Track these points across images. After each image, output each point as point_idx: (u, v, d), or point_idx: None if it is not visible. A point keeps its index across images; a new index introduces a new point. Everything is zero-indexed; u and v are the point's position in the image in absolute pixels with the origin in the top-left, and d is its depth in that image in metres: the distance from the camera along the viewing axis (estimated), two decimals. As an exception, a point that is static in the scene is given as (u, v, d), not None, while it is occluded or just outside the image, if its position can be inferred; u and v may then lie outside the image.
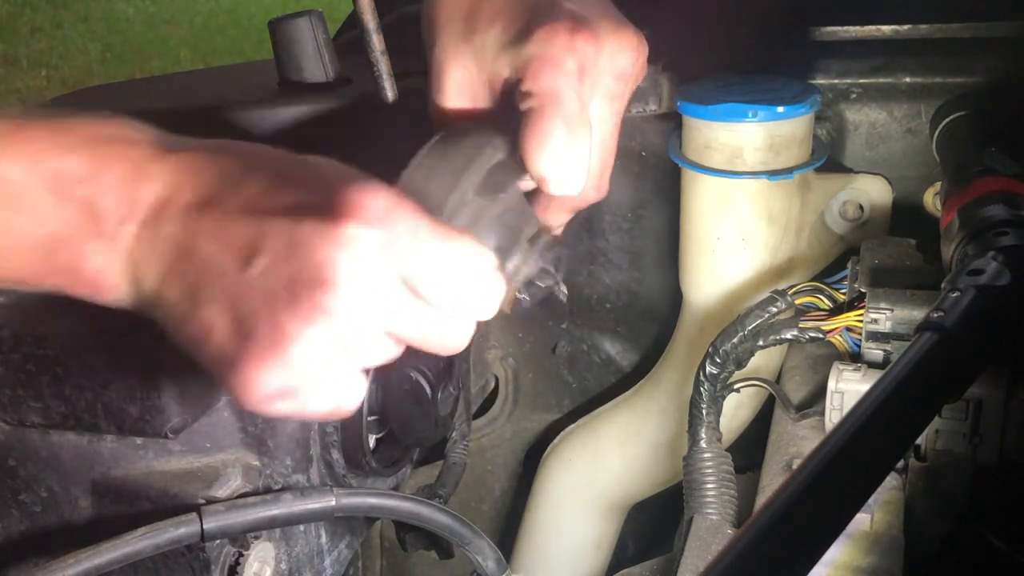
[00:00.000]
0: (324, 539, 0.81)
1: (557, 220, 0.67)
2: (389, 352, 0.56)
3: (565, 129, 0.59)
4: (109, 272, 0.56)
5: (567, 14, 0.61)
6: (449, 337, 0.57)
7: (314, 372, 0.53)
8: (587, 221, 1.15)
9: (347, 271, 0.51)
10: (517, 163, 0.61)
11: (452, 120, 0.66)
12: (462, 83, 0.65)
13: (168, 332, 0.56)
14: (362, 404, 0.80)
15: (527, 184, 0.62)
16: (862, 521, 0.73)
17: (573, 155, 0.60)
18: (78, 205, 0.55)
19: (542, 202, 0.64)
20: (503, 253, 0.60)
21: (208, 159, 0.56)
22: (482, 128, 0.62)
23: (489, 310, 0.56)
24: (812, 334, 0.86)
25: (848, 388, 0.78)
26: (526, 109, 0.60)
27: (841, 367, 0.80)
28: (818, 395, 0.88)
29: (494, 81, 0.64)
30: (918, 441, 0.75)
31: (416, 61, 0.85)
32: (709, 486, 0.85)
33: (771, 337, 0.87)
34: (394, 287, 0.53)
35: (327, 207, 0.51)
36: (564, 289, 0.65)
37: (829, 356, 0.88)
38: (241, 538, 0.70)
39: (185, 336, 0.55)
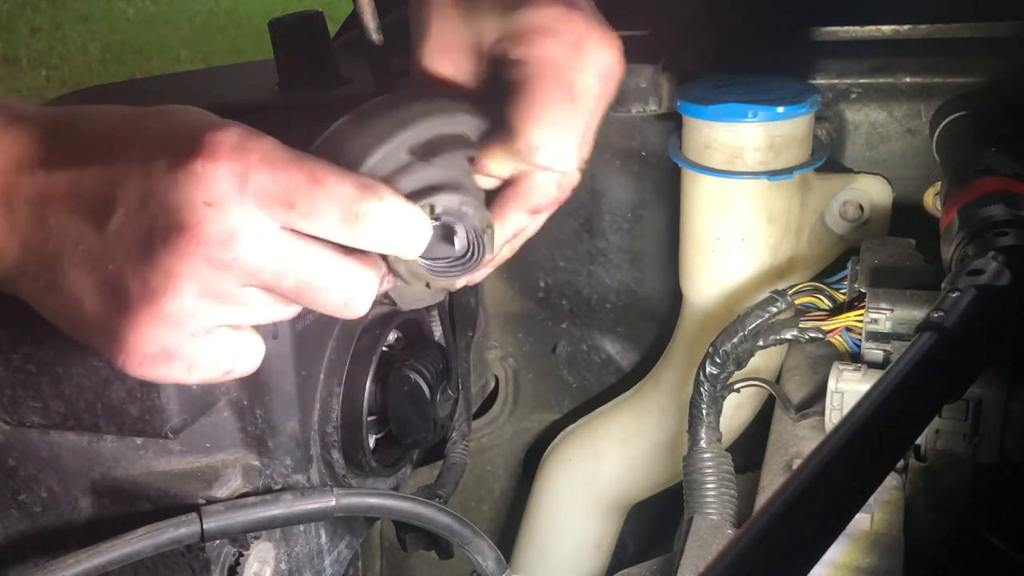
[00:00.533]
0: (324, 539, 0.81)
1: (513, 222, 0.63)
2: (278, 308, 0.53)
3: (563, 98, 0.57)
4: None
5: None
6: (343, 291, 0.52)
7: (194, 331, 0.51)
8: (587, 221, 1.15)
9: (203, 212, 0.48)
10: (475, 136, 0.59)
11: (425, 81, 0.63)
12: (445, 44, 0.63)
13: (37, 308, 0.54)
14: (362, 404, 0.80)
15: (482, 167, 0.59)
16: (862, 521, 0.73)
17: (569, 126, 0.57)
18: None
19: (507, 197, 0.62)
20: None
21: (54, 123, 0.54)
22: (447, 93, 0.60)
23: (395, 243, 0.51)
24: (812, 334, 0.86)
25: (848, 388, 0.78)
26: (519, 77, 0.58)
27: (841, 367, 0.80)
28: (818, 395, 0.88)
29: (479, 46, 0.62)
30: (918, 441, 0.75)
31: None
32: (709, 486, 0.85)
33: (771, 337, 0.87)
34: (260, 228, 0.49)
35: (180, 147, 0.49)
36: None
37: (829, 356, 0.88)
38: (241, 538, 0.70)
39: (54, 310, 0.53)
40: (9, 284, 0.54)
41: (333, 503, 0.72)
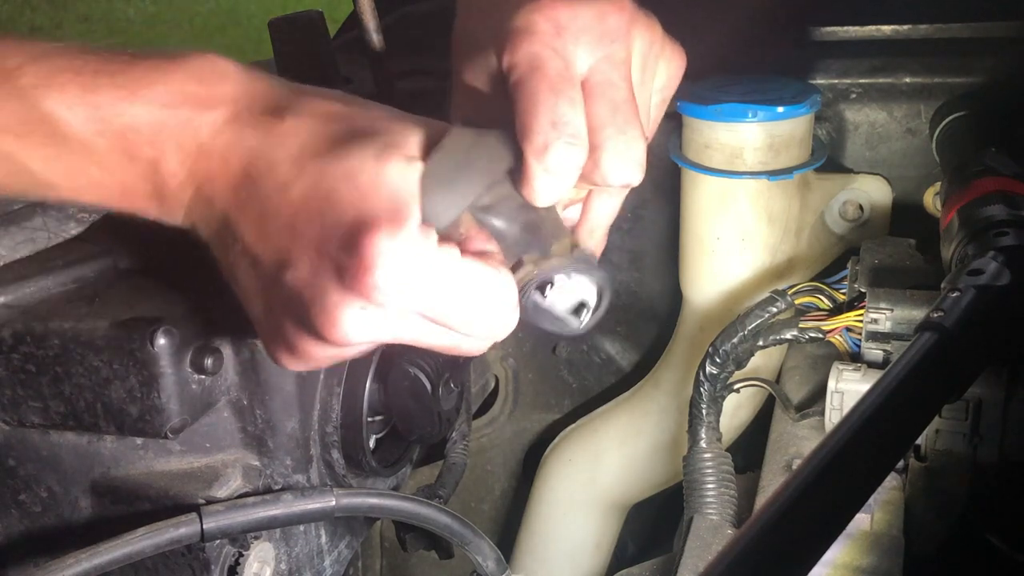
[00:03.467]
0: (324, 539, 0.81)
1: (592, 225, 0.65)
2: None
3: (550, 94, 0.55)
4: (170, 220, 0.60)
5: None
6: (463, 350, 0.57)
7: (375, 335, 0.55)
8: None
9: (355, 318, 0.52)
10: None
11: (465, 116, 0.62)
12: (473, 77, 0.63)
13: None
14: (362, 404, 0.80)
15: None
16: (862, 521, 0.73)
17: (567, 119, 0.55)
18: (145, 164, 0.57)
19: (585, 210, 0.63)
20: (524, 252, 0.58)
21: (265, 142, 0.56)
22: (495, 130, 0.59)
23: (502, 332, 0.56)
24: (812, 334, 0.86)
25: (848, 388, 0.78)
26: (510, 86, 0.57)
27: (841, 367, 0.80)
28: (818, 395, 0.88)
29: (491, 73, 0.61)
30: (918, 441, 0.75)
31: (416, 61, 0.85)
32: (709, 486, 0.85)
33: (771, 337, 0.87)
34: (410, 321, 0.54)
35: (347, 258, 0.51)
36: (595, 300, 0.63)
37: (829, 356, 0.88)
38: (241, 538, 0.70)
39: (230, 279, 0.59)
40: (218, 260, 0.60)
41: (333, 503, 0.72)
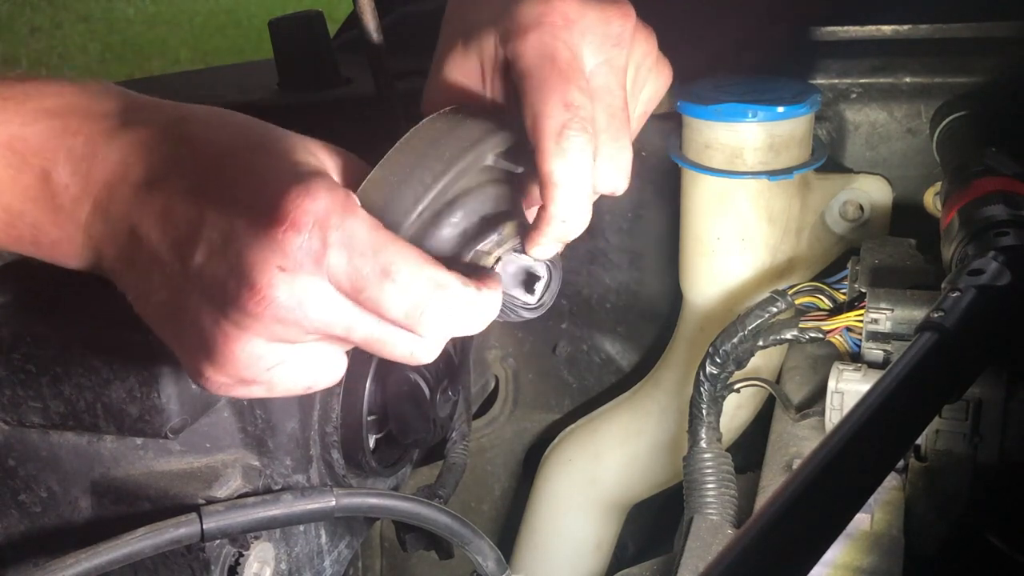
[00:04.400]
0: (324, 539, 0.81)
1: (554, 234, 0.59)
2: (342, 351, 0.55)
3: (561, 80, 0.55)
4: (68, 245, 0.56)
5: None
6: (409, 349, 0.54)
7: (268, 366, 0.53)
8: (587, 221, 1.15)
9: (276, 276, 0.49)
10: (506, 151, 0.58)
11: (441, 100, 0.62)
12: (452, 69, 0.63)
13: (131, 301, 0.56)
14: (362, 404, 0.80)
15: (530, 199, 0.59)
16: (862, 521, 0.73)
17: (580, 103, 0.55)
18: (34, 177, 0.54)
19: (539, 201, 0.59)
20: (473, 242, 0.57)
21: (162, 136, 0.54)
22: (476, 116, 0.58)
23: (457, 329, 0.53)
24: (812, 334, 0.86)
25: (848, 388, 0.78)
26: (517, 72, 0.57)
27: (841, 367, 0.80)
28: (818, 395, 0.88)
29: (481, 60, 0.61)
30: (918, 441, 0.75)
31: (416, 61, 0.85)
32: (709, 486, 0.85)
33: (771, 337, 0.87)
34: (328, 297, 0.51)
35: (266, 205, 0.49)
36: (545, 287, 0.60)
37: (829, 356, 0.88)
38: (241, 538, 0.70)
39: (145, 315, 0.55)
40: (106, 276, 0.57)
41: (333, 503, 0.72)
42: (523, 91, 0.57)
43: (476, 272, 0.55)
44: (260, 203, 0.50)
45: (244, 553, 0.70)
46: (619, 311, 1.20)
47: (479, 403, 1.23)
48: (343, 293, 0.51)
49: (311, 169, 0.52)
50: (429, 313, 0.51)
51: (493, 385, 1.26)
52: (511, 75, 0.59)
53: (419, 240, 0.55)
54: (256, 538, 0.71)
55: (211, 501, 0.69)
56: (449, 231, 0.57)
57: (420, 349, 0.54)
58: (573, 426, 1.20)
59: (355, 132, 0.81)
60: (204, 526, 0.66)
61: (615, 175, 0.59)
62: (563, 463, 1.18)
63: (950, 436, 0.73)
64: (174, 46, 5.95)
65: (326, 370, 0.55)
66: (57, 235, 0.56)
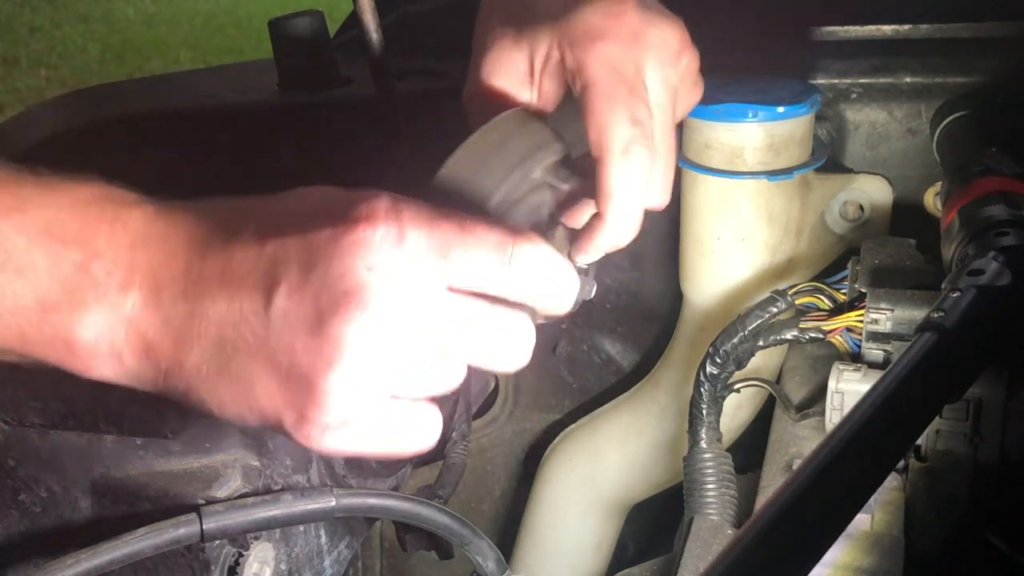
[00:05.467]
0: (324, 539, 0.81)
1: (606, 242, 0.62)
2: (453, 375, 0.53)
3: (629, 96, 0.57)
4: (107, 342, 0.52)
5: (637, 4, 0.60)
6: (513, 347, 0.54)
7: (371, 400, 0.50)
8: (587, 221, 1.15)
9: (366, 276, 0.48)
10: (559, 157, 0.59)
11: (487, 96, 0.63)
12: (500, 62, 0.63)
13: (198, 405, 0.53)
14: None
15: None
16: (862, 521, 0.73)
17: (644, 120, 0.57)
18: (73, 266, 0.51)
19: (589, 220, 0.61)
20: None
21: (199, 214, 0.53)
22: (523, 116, 0.59)
23: (564, 304, 0.53)
24: (812, 334, 0.86)
25: (848, 388, 0.78)
26: (580, 85, 0.58)
27: (841, 367, 0.80)
28: (818, 395, 0.88)
29: (532, 58, 0.62)
30: (918, 441, 0.75)
31: (416, 61, 0.85)
32: (709, 486, 0.85)
33: (771, 337, 0.87)
34: (422, 286, 0.49)
35: (336, 219, 0.49)
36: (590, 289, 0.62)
37: (829, 356, 0.88)
38: (241, 538, 0.70)
39: (222, 400, 0.52)
40: (152, 379, 0.54)
41: (333, 503, 0.72)
42: (588, 102, 0.58)
43: None
44: (331, 219, 0.49)
45: (244, 553, 0.70)
46: (619, 311, 1.20)
47: (479, 403, 1.23)
48: (431, 270, 0.49)
49: (354, 191, 0.52)
50: (519, 259, 0.51)
51: (493, 385, 1.26)
52: (569, 80, 0.60)
53: None
54: (256, 538, 0.71)
55: (211, 501, 0.68)
56: None
57: (518, 346, 0.54)
58: (573, 426, 1.20)
59: (355, 132, 0.81)
60: (204, 526, 0.66)
61: (663, 191, 0.64)
62: (563, 463, 1.18)
63: (950, 436, 0.73)
64: (174, 46, 5.95)
65: (425, 424, 0.53)
66: (95, 332, 0.52)
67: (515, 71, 0.63)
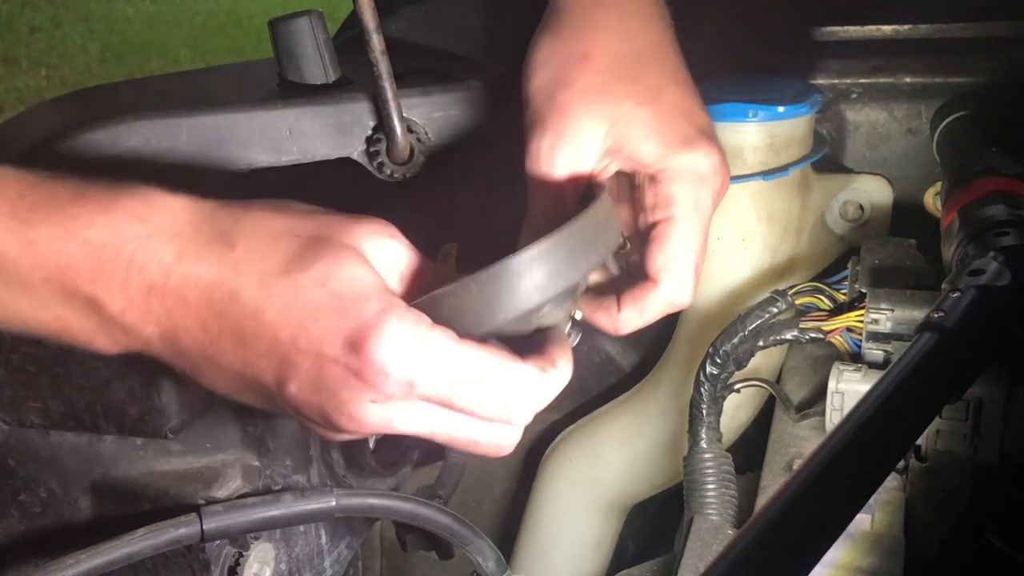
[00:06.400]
0: (324, 539, 0.81)
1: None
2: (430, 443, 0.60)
3: (696, 248, 0.66)
4: (116, 349, 0.59)
5: (711, 136, 0.67)
6: (490, 442, 0.59)
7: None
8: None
9: (368, 408, 0.55)
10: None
11: (553, 170, 0.67)
12: (590, 134, 0.66)
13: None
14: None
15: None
16: (862, 521, 0.73)
17: (694, 271, 0.67)
18: (83, 303, 0.56)
19: (650, 302, 0.68)
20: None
21: (223, 268, 0.55)
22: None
23: (517, 416, 0.57)
24: (812, 334, 0.86)
25: (848, 388, 0.78)
26: (664, 217, 0.65)
27: (841, 367, 0.80)
28: (818, 395, 0.88)
29: (621, 153, 0.66)
30: (918, 441, 0.74)
31: (416, 61, 0.85)
32: (709, 486, 0.85)
33: (771, 337, 0.87)
34: (418, 412, 0.56)
35: (347, 348, 0.53)
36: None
37: (829, 356, 0.88)
38: (241, 538, 0.70)
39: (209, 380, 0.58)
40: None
41: (333, 503, 0.72)
42: (670, 225, 0.66)
43: (547, 341, 0.59)
44: (342, 345, 0.53)
45: (244, 553, 0.70)
46: (619, 311, 1.19)
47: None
48: (435, 405, 0.56)
49: (378, 295, 0.55)
50: (515, 409, 0.57)
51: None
52: (642, 195, 0.67)
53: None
54: (256, 538, 0.71)
55: (211, 501, 0.69)
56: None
57: (501, 442, 0.60)
58: (573, 426, 1.20)
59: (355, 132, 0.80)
60: (204, 526, 0.66)
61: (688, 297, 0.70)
62: (563, 463, 1.18)
63: (950, 436, 0.73)
64: (174, 46, 5.95)
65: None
66: (105, 343, 0.58)
67: (583, 156, 0.67)
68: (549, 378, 0.57)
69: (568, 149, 0.66)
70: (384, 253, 0.59)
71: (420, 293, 0.57)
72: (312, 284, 0.54)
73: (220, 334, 0.55)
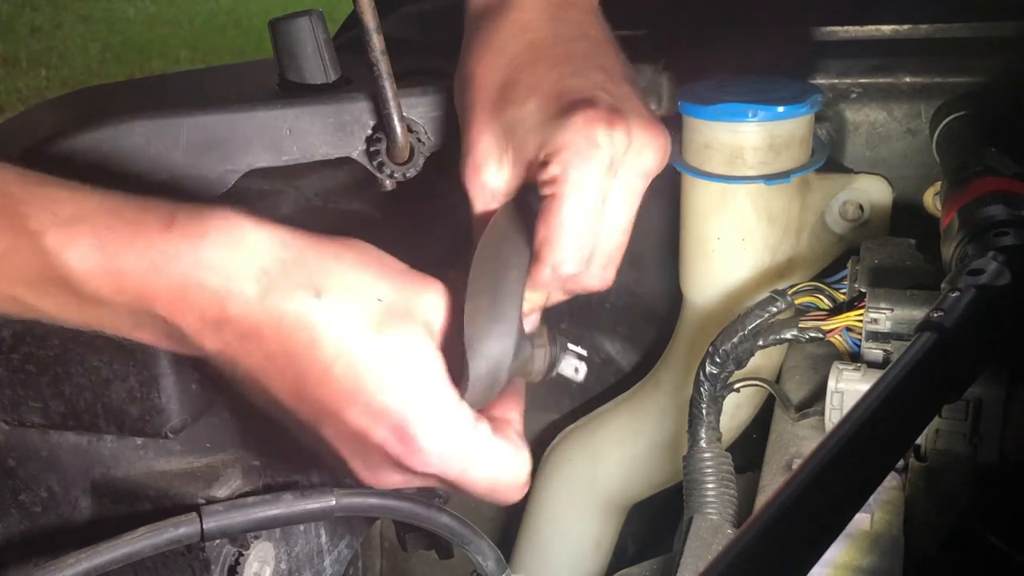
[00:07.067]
0: (324, 539, 0.81)
1: (551, 297, 0.70)
2: None
3: (581, 220, 0.62)
4: (184, 352, 0.61)
5: (605, 104, 0.63)
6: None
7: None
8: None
9: (395, 479, 0.62)
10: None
11: (478, 194, 0.68)
12: (489, 153, 0.67)
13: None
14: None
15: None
16: (862, 521, 0.73)
17: (583, 245, 0.63)
18: (162, 324, 0.58)
19: (540, 279, 0.65)
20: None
21: (306, 316, 0.58)
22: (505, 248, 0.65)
23: (508, 500, 0.67)
24: (812, 334, 0.86)
25: (848, 388, 0.78)
26: (547, 194, 0.63)
27: (841, 367, 0.80)
28: (818, 395, 0.88)
29: (520, 156, 0.66)
30: (918, 441, 0.75)
31: (416, 61, 0.85)
32: (709, 486, 0.85)
33: (771, 337, 0.87)
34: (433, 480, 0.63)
35: (398, 431, 0.58)
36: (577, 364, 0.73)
37: (829, 356, 0.88)
38: (241, 538, 0.70)
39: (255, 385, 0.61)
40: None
41: (333, 503, 0.72)
42: (551, 201, 0.63)
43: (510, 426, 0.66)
44: (392, 428, 0.58)
45: (244, 553, 0.70)
46: (619, 311, 1.20)
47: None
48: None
49: (435, 389, 0.60)
50: (501, 493, 0.66)
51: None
52: (538, 181, 0.64)
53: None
54: (256, 538, 0.71)
55: (211, 501, 0.69)
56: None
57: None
58: (573, 426, 1.20)
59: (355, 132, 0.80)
60: (204, 526, 0.66)
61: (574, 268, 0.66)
62: (563, 463, 1.18)
63: (950, 436, 0.73)
64: (174, 46, 5.95)
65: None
66: (174, 348, 0.61)
67: (502, 165, 0.67)
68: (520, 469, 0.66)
69: (474, 170, 0.68)
70: (436, 314, 0.62)
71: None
72: (384, 356, 0.58)
73: (284, 369, 0.58)
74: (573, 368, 0.72)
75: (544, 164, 0.63)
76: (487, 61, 0.69)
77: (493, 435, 0.62)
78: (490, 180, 0.67)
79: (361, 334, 0.58)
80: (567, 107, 0.63)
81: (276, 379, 0.58)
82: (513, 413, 0.67)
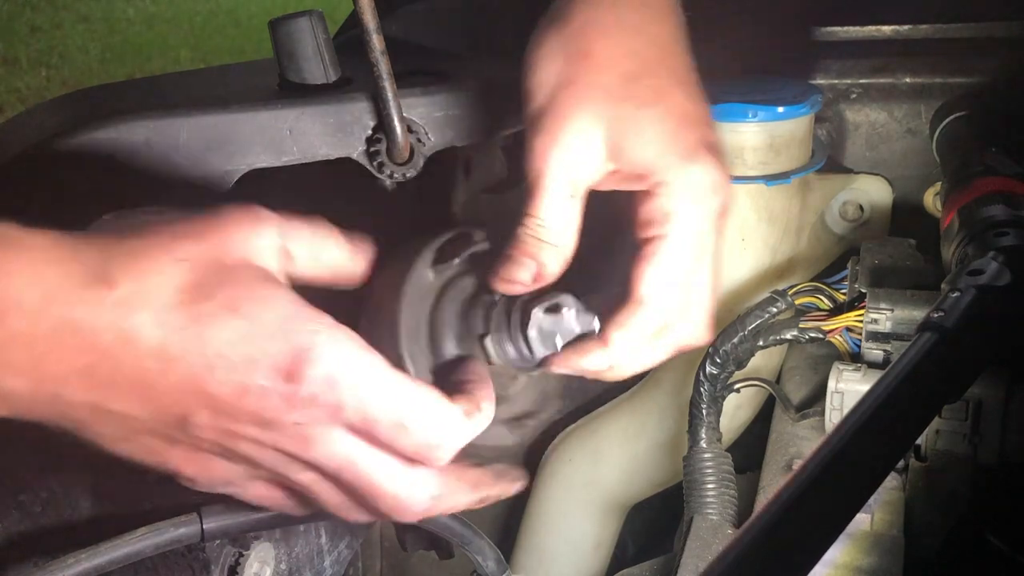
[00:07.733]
0: (324, 539, 0.81)
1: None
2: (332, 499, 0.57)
3: (688, 271, 0.60)
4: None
5: (715, 148, 0.61)
6: (404, 495, 0.56)
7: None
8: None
9: (291, 428, 0.52)
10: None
11: (554, 178, 0.62)
12: (592, 139, 0.62)
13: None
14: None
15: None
16: (862, 521, 0.73)
17: (686, 296, 0.60)
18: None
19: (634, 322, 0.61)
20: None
21: (101, 309, 0.51)
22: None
23: (444, 460, 0.55)
24: (812, 334, 0.86)
25: (848, 388, 0.78)
26: (657, 234, 0.60)
27: (841, 367, 0.80)
28: (818, 395, 0.88)
29: (621, 158, 0.61)
30: (918, 441, 0.75)
31: (416, 61, 0.85)
32: (709, 486, 0.85)
33: (771, 337, 0.87)
34: (337, 439, 0.53)
35: (278, 372, 0.51)
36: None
37: (829, 356, 0.88)
38: (241, 538, 0.70)
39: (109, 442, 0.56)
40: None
41: (333, 503, 0.72)
42: (663, 243, 0.60)
43: (470, 381, 0.59)
44: (273, 371, 0.51)
45: (244, 553, 0.70)
46: (619, 311, 1.19)
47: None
48: (356, 436, 0.53)
49: (299, 314, 0.52)
50: (437, 453, 0.54)
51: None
52: (643, 208, 0.61)
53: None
54: (256, 538, 0.71)
55: (211, 501, 0.68)
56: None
57: (415, 495, 0.56)
58: (573, 426, 1.20)
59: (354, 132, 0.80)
60: (204, 526, 0.66)
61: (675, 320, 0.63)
62: (563, 463, 1.18)
63: (950, 436, 0.73)
64: (174, 46, 5.95)
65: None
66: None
67: (585, 149, 0.62)
68: (473, 422, 0.56)
69: (564, 148, 0.62)
70: (271, 243, 0.56)
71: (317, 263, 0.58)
72: (220, 312, 0.51)
73: (112, 378, 0.51)
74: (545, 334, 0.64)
75: (655, 196, 0.60)
76: (617, 40, 0.64)
77: (390, 368, 0.54)
78: (579, 166, 0.62)
79: (179, 301, 0.51)
80: (697, 144, 0.61)
81: (109, 394, 0.51)
82: (472, 386, 0.59)
